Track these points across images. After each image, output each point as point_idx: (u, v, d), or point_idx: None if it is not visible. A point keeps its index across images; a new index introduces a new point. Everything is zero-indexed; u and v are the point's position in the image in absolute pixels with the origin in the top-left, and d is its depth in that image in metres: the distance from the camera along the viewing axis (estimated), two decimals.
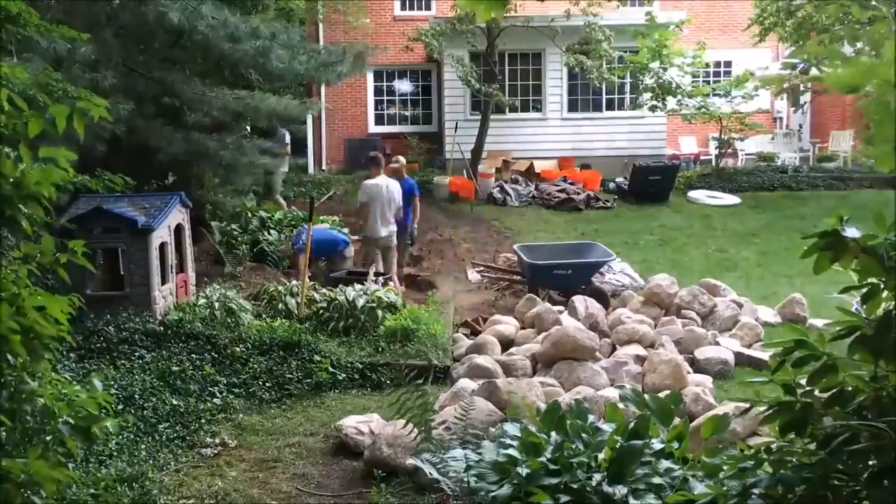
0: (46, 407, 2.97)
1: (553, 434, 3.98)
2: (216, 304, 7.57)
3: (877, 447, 2.38)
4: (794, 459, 2.56)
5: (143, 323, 7.19)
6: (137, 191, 8.19)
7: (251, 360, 6.90)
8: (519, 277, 9.79)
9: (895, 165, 2.40)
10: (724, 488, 2.74)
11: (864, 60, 2.43)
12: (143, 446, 5.40)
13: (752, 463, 2.71)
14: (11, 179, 2.90)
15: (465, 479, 4.08)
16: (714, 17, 19.51)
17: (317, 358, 6.97)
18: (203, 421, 5.91)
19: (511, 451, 3.86)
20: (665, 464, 3.67)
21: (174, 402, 6.06)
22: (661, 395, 4.60)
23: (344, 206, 13.73)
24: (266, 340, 7.14)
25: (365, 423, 5.63)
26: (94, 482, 4.62)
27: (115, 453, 5.19)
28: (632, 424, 3.86)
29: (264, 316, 7.85)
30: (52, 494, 2.84)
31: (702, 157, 18.80)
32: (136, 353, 6.82)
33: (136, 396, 6.04)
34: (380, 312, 7.80)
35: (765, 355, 6.84)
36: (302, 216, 11.58)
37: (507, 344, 7.66)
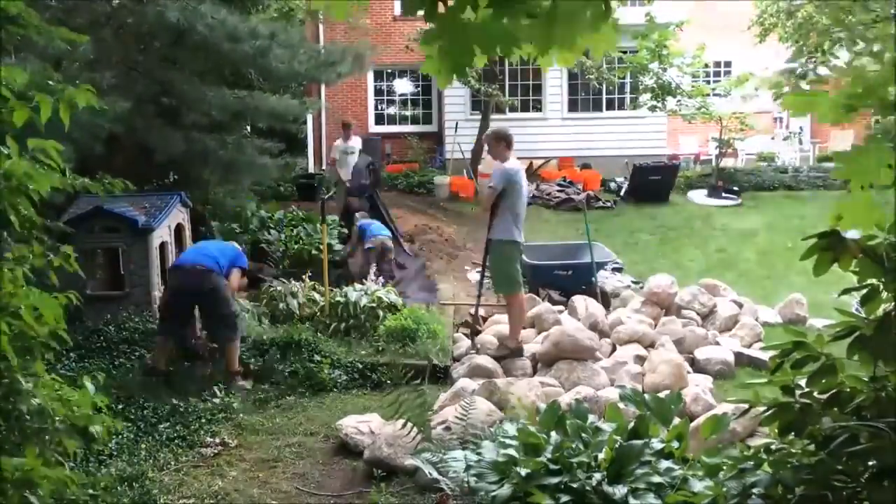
0: (42, 407, 2.96)
1: (553, 434, 3.98)
2: None
3: (876, 447, 2.38)
4: (793, 460, 2.56)
5: (144, 322, 7.19)
6: (138, 190, 8.18)
7: (251, 359, 6.89)
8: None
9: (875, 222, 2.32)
10: (724, 488, 2.75)
11: (860, 69, 2.39)
12: (143, 446, 5.40)
13: (751, 463, 2.71)
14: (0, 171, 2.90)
15: (465, 479, 4.09)
16: (714, 17, 19.51)
17: (317, 358, 6.98)
18: (203, 421, 5.91)
19: (511, 451, 3.86)
20: (665, 463, 3.67)
21: (174, 401, 6.06)
22: (661, 394, 4.60)
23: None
24: (266, 340, 7.14)
25: (365, 423, 5.62)
26: (94, 482, 4.62)
27: (115, 453, 5.20)
28: (632, 424, 3.86)
29: (265, 322, 7.79)
30: (48, 494, 2.84)
31: (702, 157, 18.81)
32: (137, 353, 6.83)
33: (136, 396, 6.04)
34: (380, 312, 7.81)
35: (765, 355, 6.84)
36: (302, 216, 11.58)
37: None
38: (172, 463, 5.25)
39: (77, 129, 6.94)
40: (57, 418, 3.03)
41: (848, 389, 2.52)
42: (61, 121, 3.07)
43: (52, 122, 3.12)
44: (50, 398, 3.05)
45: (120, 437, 5.35)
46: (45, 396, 3.03)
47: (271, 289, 8.40)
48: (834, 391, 2.54)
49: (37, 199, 3.09)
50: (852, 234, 2.47)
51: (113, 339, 6.93)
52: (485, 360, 6.84)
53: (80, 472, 4.64)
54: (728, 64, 19.43)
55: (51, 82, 3.17)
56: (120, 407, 5.72)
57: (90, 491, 4.43)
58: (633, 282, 10.25)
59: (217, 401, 6.24)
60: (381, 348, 7.31)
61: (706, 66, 17.62)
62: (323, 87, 17.76)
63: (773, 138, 19.58)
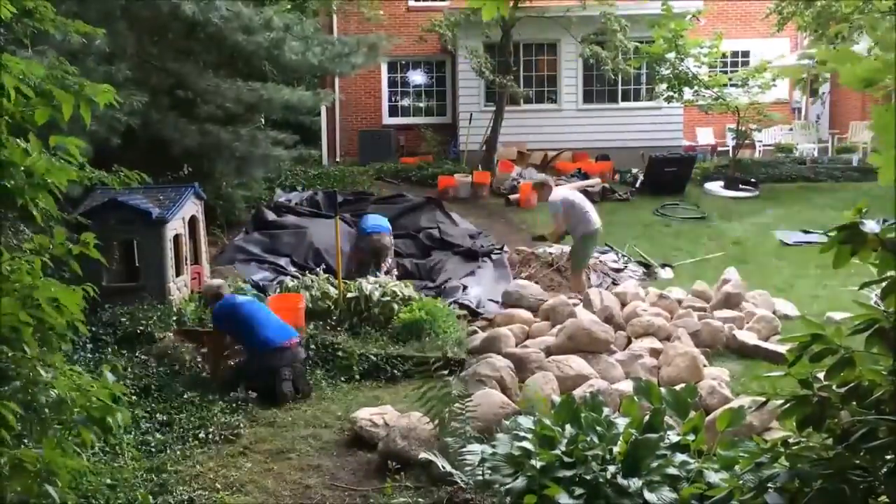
0: (61, 398, 2.98)
1: (567, 427, 3.97)
2: None
3: (894, 442, 2.35)
4: (811, 454, 2.53)
5: (158, 314, 7.21)
6: (153, 183, 8.22)
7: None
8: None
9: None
10: (740, 481, 2.72)
11: (879, 54, 2.35)
12: (159, 437, 5.43)
13: (768, 457, 2.68)
14: (22, 168, 2.92)
15: (480, 472, 4.08)
16: (732, 6, 19.32)
17: (331, 350, 6.98)
18: (218, 412, 5.93)
19: (525, 444, 3.85)
20: (680, 457, 3.66)
21: (189, 393, 6.09)
22: (677, 388, 4.57)
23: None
24: None
25: (379, 415, 5.63)
26: (112, 473, 4.65)
27: (132, 444, 5.22)
28: (647, 417, 3.85)
29: None
30: (66, 484, 2.86)
31: (719, 149, 18.66)
32: (152, 345, 6.85)
33: (152, 388, 6.08)
34: (395, 305, 7.80)
35: (782, 349, 6.78)
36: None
37: (521, 337, 7.63)
38: (188, 454, 5.27)
39: (94, 122, 6.98)
40: (75, 409, 3.05)
41: (866, 383, 2.49)
42: (83, 118, 3.09)
43: (71, 116, 3.14)
44: (68, 389, 3.07)
45: (136, 428, 5.37)
46: (63, 387, 3.05)
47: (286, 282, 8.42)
48: (852, 384, 2.51)
49: (58, 194, 3.11)
50: (871, 226, 2.43)
51: (128, 330, 6.95)
52: (487, 368, 6.76)
53: (98, 464, 4.68)
54: (746, 53, 19.23)
55: (69, 76, 3.18)
56: (135, 398, 5.75)
57: (107, 481, 4.48)
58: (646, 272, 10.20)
59: (232, 392, 6.27)
60: (395, 341, 7.30)
61: (723, 55, 17.42)
62: (337, 79, 17.74)
63: (791, 129, 19.36)
